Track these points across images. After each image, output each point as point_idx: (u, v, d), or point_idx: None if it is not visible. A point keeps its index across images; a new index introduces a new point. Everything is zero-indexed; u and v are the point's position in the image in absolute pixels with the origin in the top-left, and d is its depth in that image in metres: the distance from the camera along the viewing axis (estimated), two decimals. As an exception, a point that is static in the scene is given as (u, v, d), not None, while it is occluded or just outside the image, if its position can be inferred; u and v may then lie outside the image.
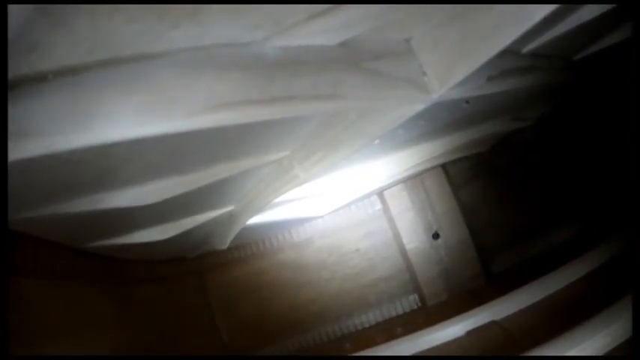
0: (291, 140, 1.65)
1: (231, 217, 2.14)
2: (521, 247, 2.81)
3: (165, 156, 1.26)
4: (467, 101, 1.85)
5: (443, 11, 1.35)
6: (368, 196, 2.80)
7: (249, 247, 2.82)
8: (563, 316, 1.80)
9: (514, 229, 2.82)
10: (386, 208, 2.86)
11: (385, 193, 2.82)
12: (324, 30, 1.22)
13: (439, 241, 2.75)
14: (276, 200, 2.02)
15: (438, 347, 1.98)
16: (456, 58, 1.39)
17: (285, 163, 1.81)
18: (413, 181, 2.81)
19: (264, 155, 1.67)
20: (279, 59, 1.19)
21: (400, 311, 2.82)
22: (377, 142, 1.88)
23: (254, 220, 2.18)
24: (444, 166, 2.84)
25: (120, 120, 0.98)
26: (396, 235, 2.81)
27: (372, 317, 2.83)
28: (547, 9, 1.20)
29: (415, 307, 2.81)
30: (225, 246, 2.33)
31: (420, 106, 1.52)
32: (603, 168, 2.73)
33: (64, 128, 0.92)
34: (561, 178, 2.82)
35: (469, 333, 1.95)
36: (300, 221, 2.68)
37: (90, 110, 0.95)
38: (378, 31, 1.35)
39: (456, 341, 1.96)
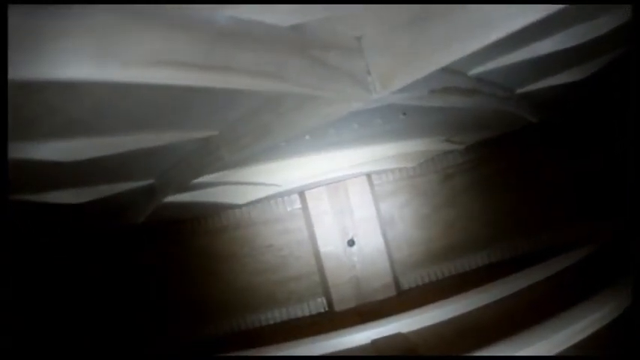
0: (220, 120, 1.60)
1: (150, 192, 2.06)
2: (434, 267, 2.84)
3: (91, 110, 1.19)
4: (404, 113, 1.86)
5: (399, 16, 1.34)
6: (289, 193, 2.77)
7: (160, 229, 2.71)
8: (471, 335, 1.83)
9: (430, 248, 2.85)
10: (305, 208, 2.83)
11: (306, 192, 2.80)
12: (278, 9, 1.18)
13: (354, 248, 2.75)
14: (197, 181, 1.97)
15: (341, 352, 1.96)
16: (402, 64, 1.37)
17: (211, 142, 1.75)
18: (336, 185, 2.79)
19: (191, 131, 1.61)
20: (227, 28, 1.13)
21: (307, 312, 2.80)
22: (307, 137, 1.86)
23: (172, 198, 2.11)
24: (368, 176, 2.84)
25: (55, 58, 0.91)
26: (312, 237, 2.79)
27: (277, 315, 2.79)
28: (502, 31, 1.21)
29: (322, 310, 2.79)
30: (139, 221, 2.25)
31: (358, 105, 1.50)
32: (527, 197, 2.83)
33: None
34: (483, 205, 2.87)
35: (374, 342, 1.94)
36: (218, 208, 2.61)
37: (28, 41, 0.89)
38: (330, 22, 1.31)
39: (361, 348, 1.95)
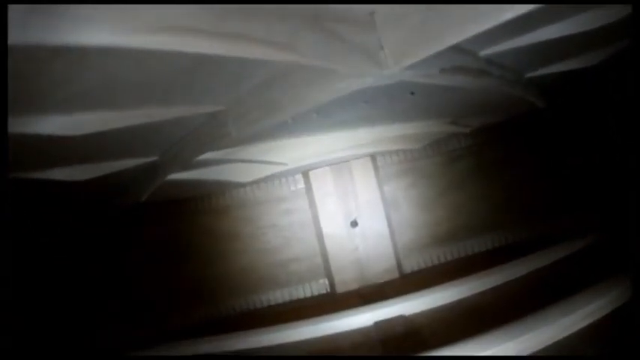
0: (229, 94, 1.57)
1: (153, 168, 2.04)
2: (438, 250, 2.82)
3: (102, 82, 1.18)
4: (412, 92, 1.84)
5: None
6: (293, 172, 2.75)
7: (165, 207, 2.70)
8: (473, 319, 1.83)
9: (434, 231, 2.84)
10: (309, 189, 2.82)
11: (310, 173, 2.79)
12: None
13: (357, 229, 2.74)
14: (202, 158, 1.96)
15: (343, 334, 1.96)
16: (416, 40, 1.35)
17: (219, 117, 1.73)
18: (340, 166, 2.79)
19: (199, 105, 1.59)
20: (241, -5, 1.12)
21: (309, 294, 2.79)
22: (314, 115, 1.84)
23: (176, 176, 2.10)
24: (373, 157, 2.83)
25: (68, 23, 0.92)
26: (315, 217, 2.78)
27: (279, 296, 2.79)
28: (516, 11, 1.20)
29: (324, 291, 2.78)
30: (142, 199, 2.23)
31: (369, 80, 1.48)
32: (531, 184, 2.81)
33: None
34: (488, 189, 2.85)
35: (377, 324, 1.94)
36: (222, 186, 2.60)
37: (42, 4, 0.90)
38: (345, -5, 1.29)
39: (363, 330, 1.95)
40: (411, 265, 2.81)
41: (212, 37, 1.08)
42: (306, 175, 2.81)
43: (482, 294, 2.04)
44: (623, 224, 2.16)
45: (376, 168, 2.83)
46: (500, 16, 1.28)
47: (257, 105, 1.68)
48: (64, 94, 1.19)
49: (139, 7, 1.00)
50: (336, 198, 2.78)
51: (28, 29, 0.88)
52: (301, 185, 2.86)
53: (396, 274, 2.72)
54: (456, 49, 1.47)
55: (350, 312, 2.05)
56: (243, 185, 2.64)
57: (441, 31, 1.34)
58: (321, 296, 2.77)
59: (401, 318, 1.94)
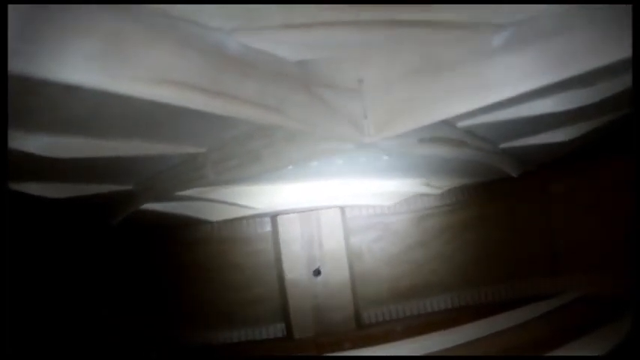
0: (211, 139, 1.62)
1: (129, 197, 2.06)
2: (398, 305, 2.87)
3: (88, 110, 1.19)
4: (388, 154, 1.91)
5: (402, 65, 1.39)
6: (261, 215, 2.78)
7: (135, 234, 2.69)
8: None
9: (395, 286, 2.88)
10: (275, 232, 2.83)
11: (278, 217, 2.81)
12: (289, 43, 1.22)
13: (319, 278, 2.76)
14: (177, 193, 1.99)
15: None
16: (399, 113, 1.42)
17: (198, 159, 1.76)
18: (308, 213, 2.81)
19: (181, 145, 1.62)
20: (238, 55, 1.17)
21: (265, 336, 2.79)
22: (290, 167, 1.89)
23: (149, 206, 2.13)
24: (342, 209, 2.86)
25: (68, 59, 0.93)
26: (278, 261, 2.80)
27: (235, 335, 2.78)
28: (501, 95, 1.27)
29: (280, 335, 2.79)
30: (115, 222, 2.25)
31: (349, 146, 1.55)
32: (497, 247, 2.90)
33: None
34: (453, 250, 2.93)
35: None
36: (192, 221, 2.61)
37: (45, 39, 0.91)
38: (334, 62, 1.36)
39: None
40: (370, 317, 2.83)
41: (207, 94, 1.11)
42: (274, 219, 2.82)
43: (441, 353, 2.07)
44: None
45: (344, 219, 2.86)
46: (488, 98, 1.36)
47: (237, 153, 1.71)
48: (53, 116, 1.20)
49: (141, 55, 1.03)
50: (301, 245, 2.80)
51: (16, 58, 0.88)
52: (268, 228, 2.87)
53: (353, 325, 2.74)
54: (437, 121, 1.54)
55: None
56: (212, 223, 2.65)
57: (426, 107, 1.41)
58: (277, 340, 2.76)
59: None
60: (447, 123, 1.64)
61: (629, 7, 1.17)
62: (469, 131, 1.77)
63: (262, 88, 1.23)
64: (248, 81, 1.20)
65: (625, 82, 1.46)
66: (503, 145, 2.04)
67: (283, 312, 2.78)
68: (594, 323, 1.89)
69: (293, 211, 2.77)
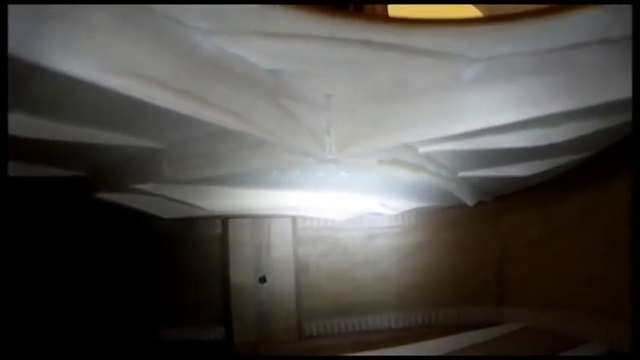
0: (172, 136, 1.60)
1: (82, 184, 2.02)
2: (340, 320, 2.87)
3: (58, 96, 1.19)
4: (346, 171, 1.92)
5: (374, 87, 1.40)
6: (213, 217, 2.75)
7: (86, 222, 2.63)
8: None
9: (337, 301, 2.89)
10: (225, 236, 2.81)
11: (230, 221, 2.79)
12: (264, 51, 1.22)
13: (264, 285, 2.75)
14: (130, 186, 1.96)
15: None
16: (364, 133, 1.44)
17: (156, 156, 1.74)
18: (260, 220, 2.80)
19: (141, 139, 1.60)
20: (212, 57, 1.16)
21: (204, 338, 2.75)
22: (250, 174, 1.88)
23: (104, 196, 2.11)
24: (294, 219, 2.86)
25: (39, 42, 0.94)
26: (225, 265, 2.77)
27: (174, 334, 2.72)
28: (469, 126, 1.30)
29: (220, 338, 2.76)
30: (66, 207, 2.29)
31: (309, 160, 1.55)
32: (439, 273, 2.92)
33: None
34: (400, 270, 2.96)
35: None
36: (142, 216, 2.56)
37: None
38: (305, 75, 1.36)
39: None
40: (311, 329, 2.83)
41: (175, 93, 1.10)
42: (225, 222, 2.80)
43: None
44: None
45: (295, 230, 2.86)
46: (452, 129, 1.38)
47: (196, 154, 1.70)
48: (15, 96, 1.16)
49: (114, 47, 1.01)
50: (249, 250, 2.78)
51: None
52: (218, 231, 2.85)
53: (294, 336, 2.73)
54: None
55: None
56: (163, 220, 2.60)
57: (390, 130, 1.42)
58: (216, 343, 2.73)
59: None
60: (409, 147, 1.66)
61: (602, 56, 1.21)
62: (429, 157, 1.79)
63: (231, 94, 1.22)
64: (218, 85, 1.19)
65: (588, 127, 1.51)
66: (461, 174, 2.07)
67: (225, 316, 2.75)
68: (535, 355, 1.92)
69: (245, 216, 2.75)
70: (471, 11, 2.95)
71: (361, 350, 2.23)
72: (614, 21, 1.16)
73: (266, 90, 1.31)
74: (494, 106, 1.31)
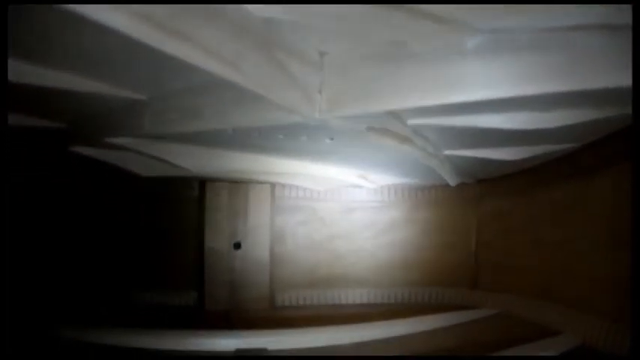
0: (154, 86, 1.53)
1: (62, 135, 1.95)
2: (314, 292, 2.87)
3: (40, 35, 1.14)
4: (331, 138, 1.87)
5: (371, 47, 1.35)
6: (190, 179, 2.70)
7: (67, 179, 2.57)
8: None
9: (314, 273, 2.88)
10: (201, 198, 2.76)
11: (207, 183, 2.74)
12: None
13: (238, 252, 2.71)
14: (108, 140, 1.89)
15: (203, 352, 1.90)
16: (356, 94, 1.39)
17: (137, 107, 1.67)
18: (238, 185, 2.76)
19: (122, 88, 1.53)
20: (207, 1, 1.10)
21: (176, 302, 2.72)
22: (230, 131, 1.82)
23: (81, 149, 2.06)
24: (272, 186, 2.82)
25: None
26: (200, 228, 2.73)
27: (147, 297, 2.70)
28: (463, 96, 1.26)
29: (191, 304, 2.73)
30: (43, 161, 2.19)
31: (297, 119, 1.49)
32: (417, 251, 2.90)
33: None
34: (375, 246, 2.96)
35: (238, 351, 1.90)
36: (120, 173, 2.49)
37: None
38: (302, 28, 1.29)
39: (223, 354, 1.90)
40: (283, 299, 2.81)
41: (164, 31, 1.04)
42: (202, 184, 2.75)
43: (356, 345, 2.04)
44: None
45: (273, 198, 2.82)
46: (447, 98, 1.33)
47: (177, 107, 1.64)
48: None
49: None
50: (226, 215, 2.74)
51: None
52: (195, 193, 2.80)
53: (266, 305, 2.72)
54: (389, 112, 1.51)
55: (214, 333, 2.00)
56: (141, 178, 2.54)
57: (383, 94, 1.38)
58: (188, 308, 2.70)
59: (263, 351, 1.91)
60: (398, 117, 1.62)
61: (602, 40, 1.18)
62: (417, 131, 1.76)
63: (222, 38, 1.16)
64: (209, 27, 1.13)
65: (583, 115, 1.48)
66: (446, 152, 2.04)
67: (196, 281, 2.72)
68: (505, 342, 1.90)
69: (223, 180, 2.72)
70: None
71: (331, 324, 2.19)
72: (617, 9, 1.13)
73: (259, 40, 1.25)
74: (493, 79, 1.27)
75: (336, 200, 2.92)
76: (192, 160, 2.30)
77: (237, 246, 2.72)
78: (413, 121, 1.66)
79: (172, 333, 1.97)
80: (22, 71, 1.30)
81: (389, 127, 1.67)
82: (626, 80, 1.16)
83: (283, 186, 2.86)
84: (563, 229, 2.16)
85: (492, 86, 1.28)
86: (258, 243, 2.76)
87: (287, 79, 1.34)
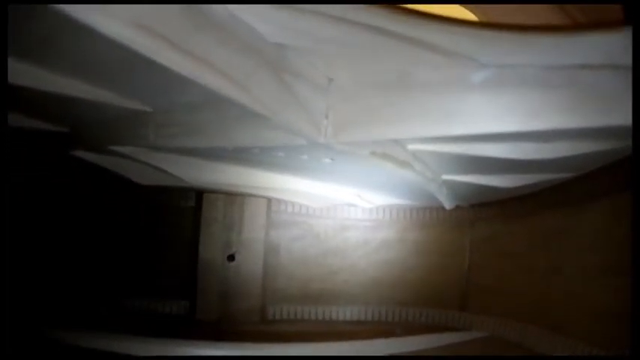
0: (160, 99, 1.54)
1: (64, 139, 1.97)
2: (306, 307, 2.86)
3: (46, 38, 1.13)
4: (332, 158, 1.89)
5: (378, 75, 1.37)
6: (187, 189, 2.71)
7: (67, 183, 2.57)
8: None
9: (306, 288, 2.88)
10: (198, 209, 2.77)
11: (204, 194, 2.75)
12: (275, 22, 1.19)
13: (232, 263, 2.72)
14: (110, 147, 1.91)
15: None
16: (362, 121, 1.41)
17: (141, 118, 1.69)
18: (234, 197, 2.77)
19: (129, 99, 1.54)
20: (221, 21, 1.13)
21: (168, 311, 2.72)
22: (231, 149, 1.84)
23: (82, 154, 2.06)
24: (269, 200, 2.83)
25: None
26: (195, 239, 2.73)
27: (138, 305, 2.70)
28: (467, 130, 1.29)
29: (182, 312, 2.73)
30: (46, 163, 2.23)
31: (301, 142, 1.52)
32: (409, 271, 2.92)
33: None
34: (368, 264, 2.95)
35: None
36: (117, 181, 2.49)
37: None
38: (311, 54, 1.33)
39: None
40: (275, 313, 2.81)
41: (178, 51, 1.06)
42: (199, 195, 2.77)
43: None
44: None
45: (269, 211, 2.83)
46: (450, 130, 1.36)
47: (182, 121, 1.66)
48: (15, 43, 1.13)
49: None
50: (221, 227, 2.75)
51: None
52: (191, 203, 2.81)
53: (257, 318, 2.72)
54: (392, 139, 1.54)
55: (204, 344, 2.02)
56: (139, 186, 2.54)
57: (388, 121, 1.40)
58: (178, 317, 2.71)
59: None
60: (399, 143, 1.64)
61: (608, 80, 1.21)
62: (417, 156, 1.78)
63: (233, 59, 1.18)
64: (221, 48, 1.15)
65: (584, 148, 1.50)
66: (445, 177, 2.06)
67: (190, 290, 2.72)
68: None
69: (219, 192, 2.72)
70: (462, 13, 2.93)
71: (321, 340, 2.21)
72: (624, 49, 1.16)
73: (269, 62, 1.28)
74: (497, 114, 1.30)
75: (332, 217, 2.93)
76: (190, 172, 2.32)
77: (231, 258, 2.73)
78: (413, 147, 1.68)
79: (160, 341, 1.97)
80: (22, 72, 1.31)
81: (390, 152, 1.69)
82: (628, 119, 1.19)
83: (279, 201, 2.86)
84: (553, 256, 2.18)
85: (496, 120, 1.31)
86: (251, 256, 2.77)
87: (294, 103, 1.36)
